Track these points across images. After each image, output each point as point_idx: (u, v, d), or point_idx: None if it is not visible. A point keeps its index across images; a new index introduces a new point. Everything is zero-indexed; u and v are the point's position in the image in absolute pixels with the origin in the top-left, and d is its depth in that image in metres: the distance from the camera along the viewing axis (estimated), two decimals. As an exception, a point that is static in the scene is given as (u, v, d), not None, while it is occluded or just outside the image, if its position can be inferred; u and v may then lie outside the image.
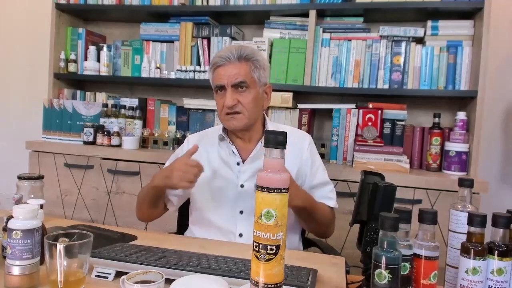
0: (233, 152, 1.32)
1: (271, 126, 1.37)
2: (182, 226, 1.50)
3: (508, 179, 2.19)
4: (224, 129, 1.35)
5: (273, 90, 2.04)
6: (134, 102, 2.39)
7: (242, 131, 1.30)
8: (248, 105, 1.25)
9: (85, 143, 2.26)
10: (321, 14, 2.16)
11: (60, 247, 0.75)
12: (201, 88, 2.46)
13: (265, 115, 1.39)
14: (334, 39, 2.10)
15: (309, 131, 2.12)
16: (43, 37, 2.53)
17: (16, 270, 0.78)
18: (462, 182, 0.87)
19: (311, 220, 1.29)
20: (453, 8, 1.96)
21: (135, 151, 2.15)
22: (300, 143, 1.37)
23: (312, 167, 1.35)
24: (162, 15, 2.37)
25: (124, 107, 2.34)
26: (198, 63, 2.30)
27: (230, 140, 1.33)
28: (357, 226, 0.98)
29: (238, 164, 1.31)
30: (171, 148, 2.26)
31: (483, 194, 1.74)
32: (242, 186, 1.30)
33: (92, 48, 2.43)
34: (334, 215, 1.38)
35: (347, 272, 0.98)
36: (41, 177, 1.13)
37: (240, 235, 1.28)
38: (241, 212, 1.29)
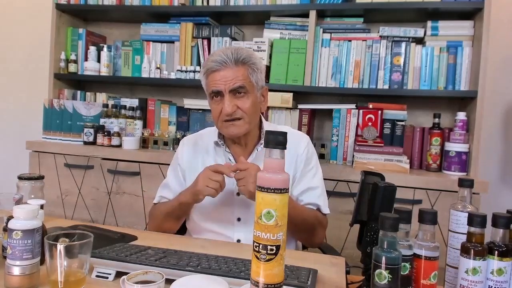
0: (229, 160, 1.29)
1: (268, 127, 1.32)
2: (182, 226, 1.50)
3: (508, 179, 2.19)
4: (220, 135, 1.31)
5: (274, 91, 2.07)
6: (134, 102, 2.40)
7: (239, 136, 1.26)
8: (248, 110, 1.20)
9: (86, 143, 2.26)
10: (321, 14, 2.16)
11: (60, 247, 0.75)
12: (201, 88, 2.43)
13: (262, 116, 1.34)
14: (334, 40, 2.10)
15: (309, 131, 2.13)
16: (44, 37, 2.54)
17: (16, 270, 0.78)
18: (462, 182, 0.87)
19: (294, 224, 1.19)
20: (453, 8, 1.96)
21: (135, 151, 2.15)
22: (296, 146, 1.31)
23: (302, 170, 1.30)
24: (162, 16, 2.37)
25: (125, 107, 2.35)
26: (198, 64, 2.30)
27: (226, 147, 1.30)
28: (357, 226, 0.98)
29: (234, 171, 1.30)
30: (171, 148, 2.26)
31: (483, 194, 1.74)
32: (238, 194, 1.26)
33: (92, 49, 2.43)
34: (321, 221, 1.29)
35: (348, 272, 0.98)
36: (41, 177, 1.13)
37: (238, 241, 1.27)
38: (239, 219, 1.27)
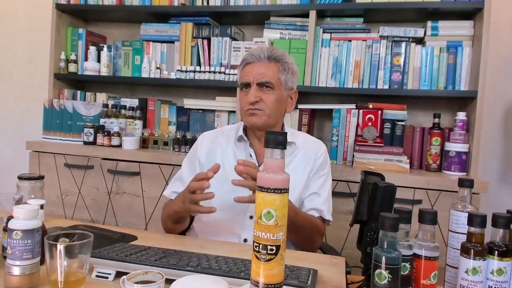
0: (251, 156, 1.31)
1: (288, 132, 1.35)
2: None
3: (508, 179, 2.19)
4: (244, 130, 1.34)
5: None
6: (134, 102, 2.40)
7: (262, 130, 1.29)
8: (271, 105, 1.25)
9: (86, 143, 2.26)
10: (321, 14, 2.16)
11: (60, 247, 0.75)
12: (201, 88, 2.46)
13: (284, 121, 1.38)
14: (334, 40, 2.10)
15: (309, 131, 2.12)
16: (44, 37, 2.54)
17: (16, 270, 0.78)
18: (462, 182, 0.87)
19: (294, 229, 1.18)
20: (453, 8, 1.96)
21: (135, 151, 2.15)
22: (317, 149, 1.36)
23: (315, 173, 1.32)
24: (162, 16, 2.37)
25: (125, 107, 2.35)
26: (198, 64, 2.30)
27: (250, 143, 1.32)
28: (357, 226, 0.98)
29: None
30: (171, 148, 2.26)
31: (483, 194, 1.74)
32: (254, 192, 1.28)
33: (92, 49, 2.43)
34: (319, 228, 1.29)
35: (348, 273, 0.98)
36: (41, 177, 1.13)
37: (245, 240, 1.27)
38: (251, 217, 1.27)
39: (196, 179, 1.10)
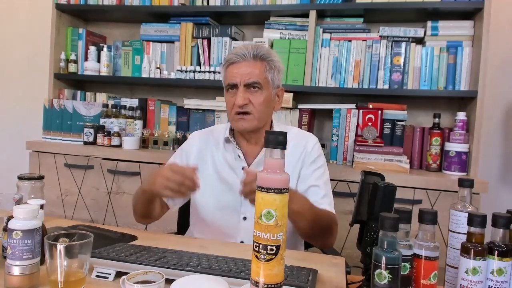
0: (239, 157, 1.29)
1: (278, 128, 1.34)
2: (182, 226, 1.50)
3: (508, 179, 2.19)
4: (231, 131, 1.32)
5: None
6: (134, 102, 2.40)
7: (250, 133, 1.27)
8: (259, 106, 1.22)
9: (86, 143, 2.26)
10: (321, 14, 2.16)
11: (60, 247, 0.75)
12: (201, 88, 2.46)
13: (272, 118, 1.36)
14: (334, 40, 2.10)
15: (309, 131, 2.12)
16: (44, 37, 2.54)
17: (16, 270, 0.78)
18: (462, 182, 0.87)
19: (309, 225, 1.16)
20: (453, 8, 1.96)
21: (135, 151, 2.15)
22: (306, 143, 1.33)
23: (309, 168, 1.30)
24: (162, 16, 2.37)
25: (125, 107, 2.35)
26: (198, 64, 2.30)
27: (236, 144, 1.30)
28: (357, 226, 0.98)
29: (243, 169, 1.28)
30: (171, 148, 2.26)
31: (483, 194, 1.74)
32: None
33: (92, 49, 2.43)
34: (333, 218, 1.25)
35: (348, 273, 0.98)
36: (41, 177, 1.12)
37: (242, 242, 1.26)
38: (245, 218, 1.27)
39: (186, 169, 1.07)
